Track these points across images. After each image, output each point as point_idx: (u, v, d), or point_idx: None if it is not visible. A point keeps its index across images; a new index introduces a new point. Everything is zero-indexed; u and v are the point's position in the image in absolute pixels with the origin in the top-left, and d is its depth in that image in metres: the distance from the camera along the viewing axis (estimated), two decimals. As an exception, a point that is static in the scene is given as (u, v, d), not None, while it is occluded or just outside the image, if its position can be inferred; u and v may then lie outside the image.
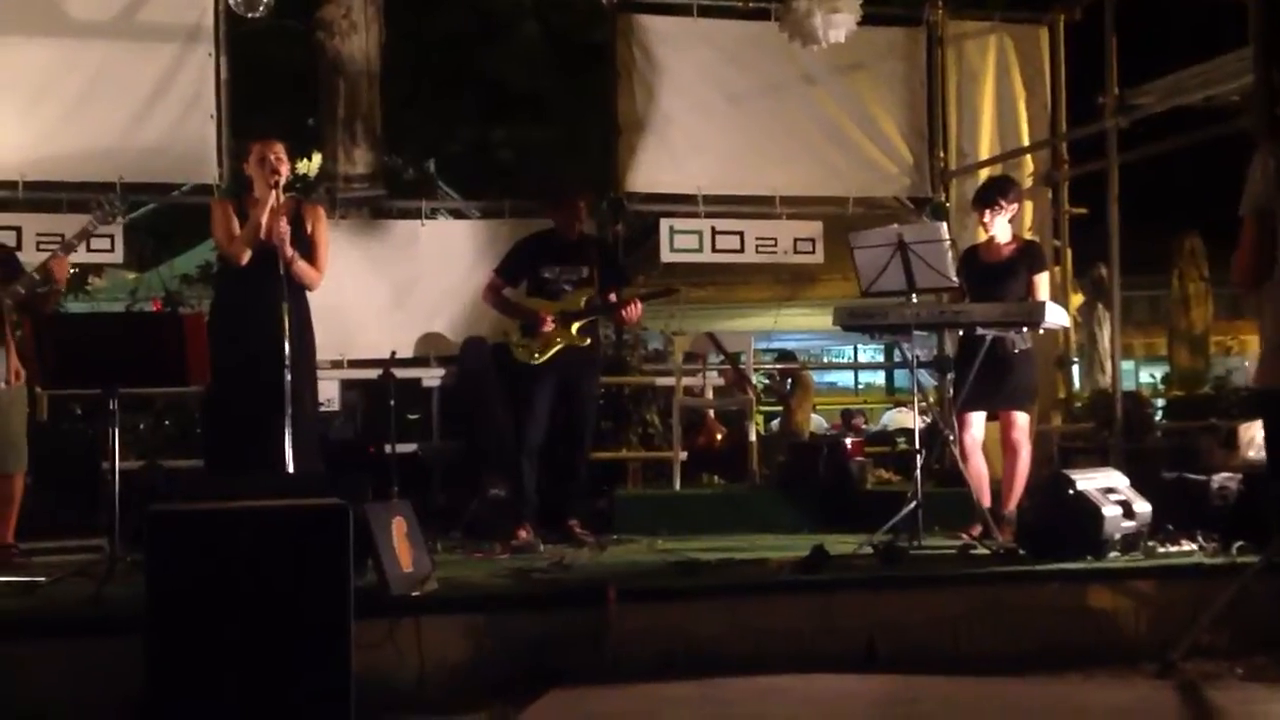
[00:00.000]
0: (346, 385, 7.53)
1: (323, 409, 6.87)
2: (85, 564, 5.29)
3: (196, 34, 7.72)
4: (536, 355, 6.33)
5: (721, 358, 7.99)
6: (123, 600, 4.45)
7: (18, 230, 7.23)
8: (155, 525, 3.93)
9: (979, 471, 6.17)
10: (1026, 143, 8.91)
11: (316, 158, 8.85)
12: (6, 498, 5.83)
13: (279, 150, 5.71)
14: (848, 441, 7.76)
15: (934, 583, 5.12)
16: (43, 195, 7.52)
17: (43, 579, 5.11)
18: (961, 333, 6.14)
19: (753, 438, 7.75)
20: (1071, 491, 5.41)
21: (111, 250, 7.49)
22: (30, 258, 6.42)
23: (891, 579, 5.15)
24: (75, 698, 4.10)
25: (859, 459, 7.51)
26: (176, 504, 4.08)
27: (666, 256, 8.43)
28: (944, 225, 6.60)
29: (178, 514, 4.01)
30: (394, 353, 7.27)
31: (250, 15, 7.51)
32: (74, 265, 5.97)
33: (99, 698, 4.09)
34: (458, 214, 8.84)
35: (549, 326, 6.32)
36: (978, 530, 5.94)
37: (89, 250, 6.93)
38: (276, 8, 7.60)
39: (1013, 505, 6.10)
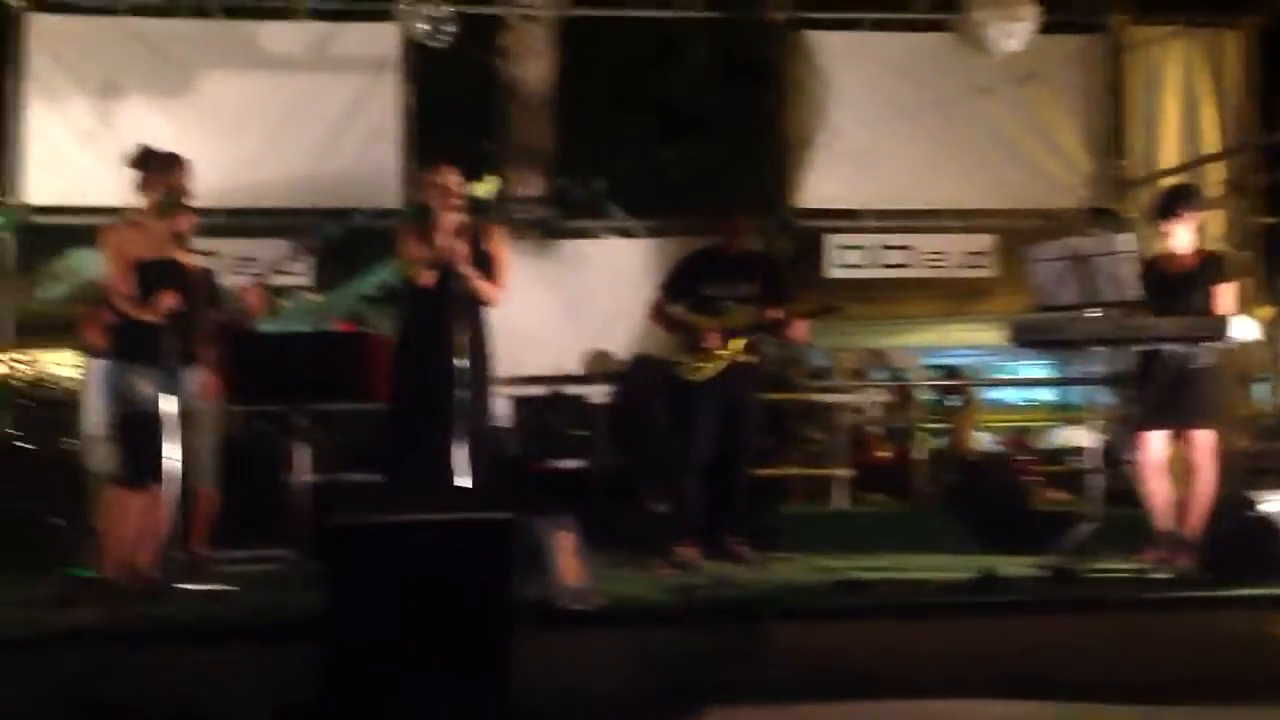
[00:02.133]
0: (516, 402, 7.70)
1: (494, 425, 7.04)
2: (271, 574, 5.57)
3: (383, 64, 8.04)
4: (701, 372, 6.38)
5: (887, 374, 7.91)
6: (306, 610, 4.65)
7: (216, 255, 7.59)
8: (335, 537, 4.12)
9: (1158, 492, 5.96)
10: (1213, 151, 8.60)
11: (493, 180, 9.08)
12: (199, 510, 6.17)
13: (451, 175, 5.88)
14: (1017, 459, 7.59)
15: (1109, 607, 4.99)
16: (240, 222, 7.88)
17: (231, 588, 5.39)
18: (1141, 348, 5.95)
19: (919, 455, 7.64)
20: (1255, 514, 5.21)
21: (302, 274, 7.84)
22: (227, 281, 6.78)
23: (1064, 603, 5.03)
24: (258, 701, 4.31)
25: (1029, 478, 7.33)
26: (355, 516, 4.25)
27: (832, 272, 8.40)
28: (1126, 236, 6.41)
29: (356, 526, 4.19)
30: (563, 370, 7.41)
31: (435, 45, 7.78)
32: (265, 288, 6.27)
33: (280, 701, 4.29)
34: (627, 233, 8.97)
35: (713, 344, 6.36)
36: (1156, 554, 5.75)
37: (281, 273, 7.27)
38: (458, 36, 7.84)
39: (1193, 528, 5.88)
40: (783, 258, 8.08)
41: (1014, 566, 5.54)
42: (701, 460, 6.37)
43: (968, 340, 11.26)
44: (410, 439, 5.86)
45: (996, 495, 7.16)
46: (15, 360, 7.94)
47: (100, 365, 6.04)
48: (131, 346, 5.46)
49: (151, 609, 4.96)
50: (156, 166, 5.58)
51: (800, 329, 6.42)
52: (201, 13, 8.06)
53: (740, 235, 6.61)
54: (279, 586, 5.09)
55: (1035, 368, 13.05)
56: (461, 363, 5.52)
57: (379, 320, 8.48)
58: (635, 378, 7.51)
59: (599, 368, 7.93)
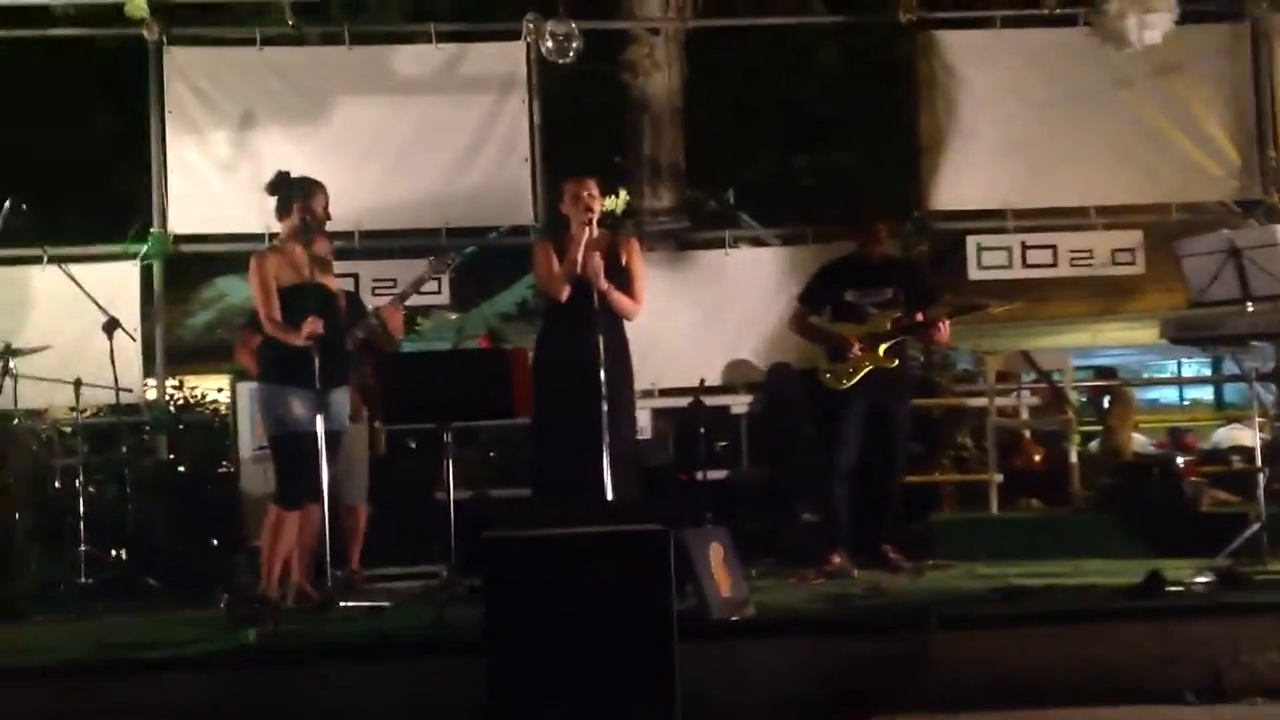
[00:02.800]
0: (657, 413, 7.69)
1: (637, 437, 7.04)
2: (425, 589, 5.62)
3: (511, 83, 8.10)
4: (845, 380, 6.30)
5: (1036, 376, 7.72)
6: (461, 624, 4.69)
7: (355, 277, 7.72)
8: (491, 551, 4.15)
9: (1329, 490, 5.73)
10: (1366, 136, 8.25)
11: (623, 194, 9.13)
12: (351, 527, 6.28)
13: (592, 187, 5.89)
14: (1180, 460, 7.33)
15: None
16: (377, 244, 8.02)
17: (387, 603, 5.47)
18: (1303, 342, 5.73)
19: (1073, 459, 7.44)
20: None
21: (439, 293, 7.94)
22: (367, 302, 6.91)
23: (1237, 606, 4.83)
24: (421, 715, 4.35)
25: (1193, 479, 7.07)
26: (510, 531, 4.27)
27: (974, 274, 8.21)
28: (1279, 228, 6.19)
29: (511, 540, 4.21)
30: (703, 380, 7.39)
31: (561, 62, 7.83)
32: (404, 308, 6.37)
33: (441, 716, 4.33)
34: (760, 242, 8.91)
35: (855, 351, 6.28)
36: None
37: (419, 294, 7.38)
38: (584, 52, 7.89)
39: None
40: (922, 262, 7.96)
41: (1180, 570, 5.34)
42: (849, 468, 6.29)
43: (1119, 339, 10.99)
44: (556, 453, 5.88)
45: (1158, 497, 6.91)
46: (170, 387, 8.17)
47: (253, 388, 6.18)
48: (282, 369, 5.58)
49: (316, 626, 5.05)
50: (294, 192, 5.69)
51: (944, 331, 6.30)
52: (331, 40, 8.22)
53: (879, 240, 6.53)
54: (432, 603, 5.12)
55: (1191, 366, 12.69)
56: (602, 376, 5.52)
57: (516, 337, 8.58)
58: (777, 387, 7.46)
59: (739, 378, 7.89)
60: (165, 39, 7.90)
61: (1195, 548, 5.77)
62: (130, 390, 6.98)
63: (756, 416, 7.63)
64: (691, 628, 4.34)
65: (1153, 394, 14.89)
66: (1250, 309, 5.64)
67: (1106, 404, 8.36)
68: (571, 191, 5.92)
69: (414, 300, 6.77)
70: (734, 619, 4.70)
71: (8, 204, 6.70)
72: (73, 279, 6.85)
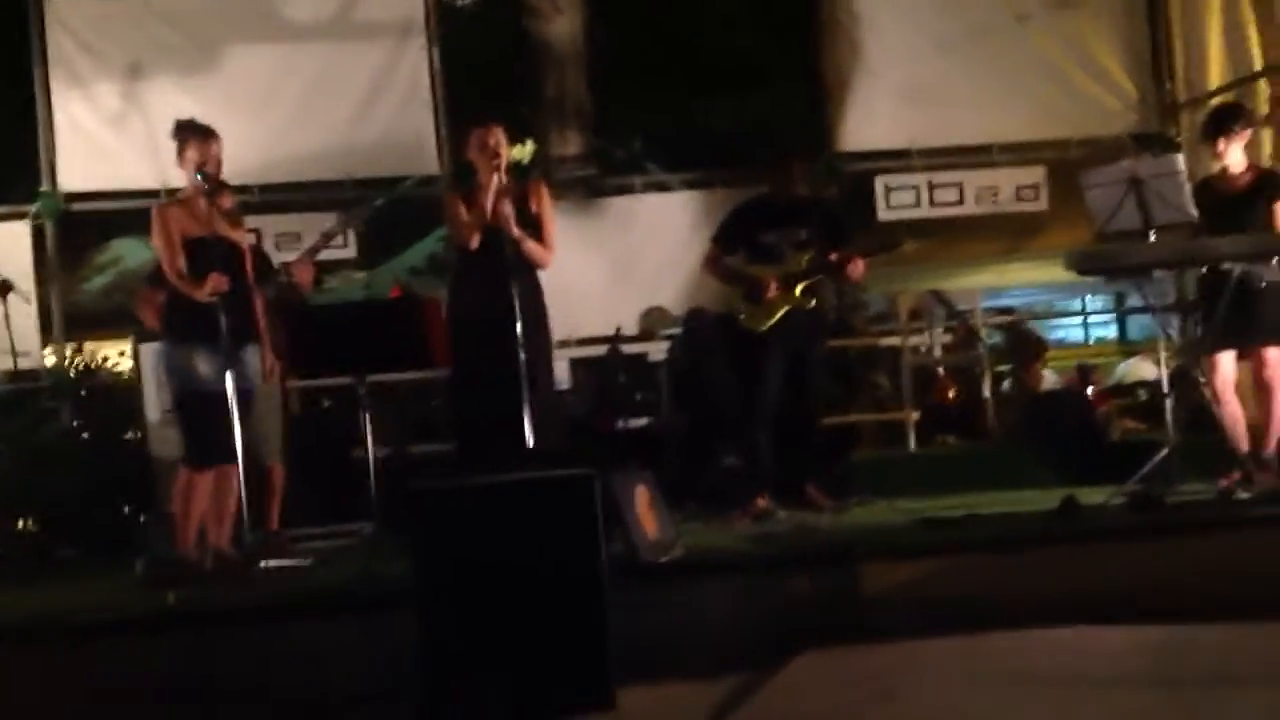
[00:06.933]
0: (575, 363, 7.65)
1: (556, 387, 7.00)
2: (347, 547, 5.54)
3: (409, 28, 7.94)
4: (763, 321, 6.29)
5: (948, 314, 7.82)
6: (388, 577, 4.63)
7: (257, 232, 7.53)
8: (418, 502, 4.08)
9: (1234, 414, 5.87)
10: (1258, 69, 8.42)
11: (531, 143, 9.03)
12: (268, 488, 6.16)
13: (498, 134, 5.76)
14: (1089, 392, 7.49)
15: (1196, 530, 4.91)
16: (278, 197, 7.84)
17: (309, 562, 5.38)
18: (1204, 270, 5.84)
19: (986, 394, 7.56)
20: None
21: (345, 247, 7.78)
22: (273, 258, 6.75)
23: (1152, 527, 4.96)
24: (352, 671, 4.29)
25: (1102, 409, 7.24)
26: (435, 482, 4.20)
27: (883, 214, 8.29)
28: (1179, 157, 6.30)
29: (437, 490, 4.15)
30: (619, 329, 7.36)
31: (460, 4, 7.69)
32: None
33: (373, 670, 4.27)
34: (667, 187, 8.88)
35: (773, 292, 6.26)
36: (1237, 475, 5.65)
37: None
38: (483, -5, 7.77)
39: (1273, 446, 5.78)
40: (834, 202, 7.98)
41: (1094, 497, 5.45)
42: (769, 411, 6.28)
43: (1027, 278, 11.16)
44: (475, 406, 5.81)
45: (1070, 429, 7.06)
46: (70, 351, 7.93)
47: (157, 348, 6.01)
48: (188, 326, 5.39)
49: (234, 588, 4.95)
50: (196, 137, 5.49)
51: (859, 269, 6.31)
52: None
53: (794, 181, 6.49)
54: (356, 559, 5.05)
55: (1096, 303, 12.99)
56: (519, 326, 5.45)
57: (427, 291, 8.44)
58: (694, 333, 7.44)
59: (656, 325, 7.87)
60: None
61: (1107, 476, 5.86)
62: (28, 354, 6.76)
63: (675, 363, 7.62)
64: (621, 571, 4.33)
65: (1060, 334, 15.24)
66: (1152, 239, 5.72)
67: (1018, 341, 8.52)
68: (478, 138, 5.79)
69: (320, 256, 6.61)
70: (662, 560, 4.70)
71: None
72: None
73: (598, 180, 8.61)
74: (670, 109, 11.54)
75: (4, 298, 6.33)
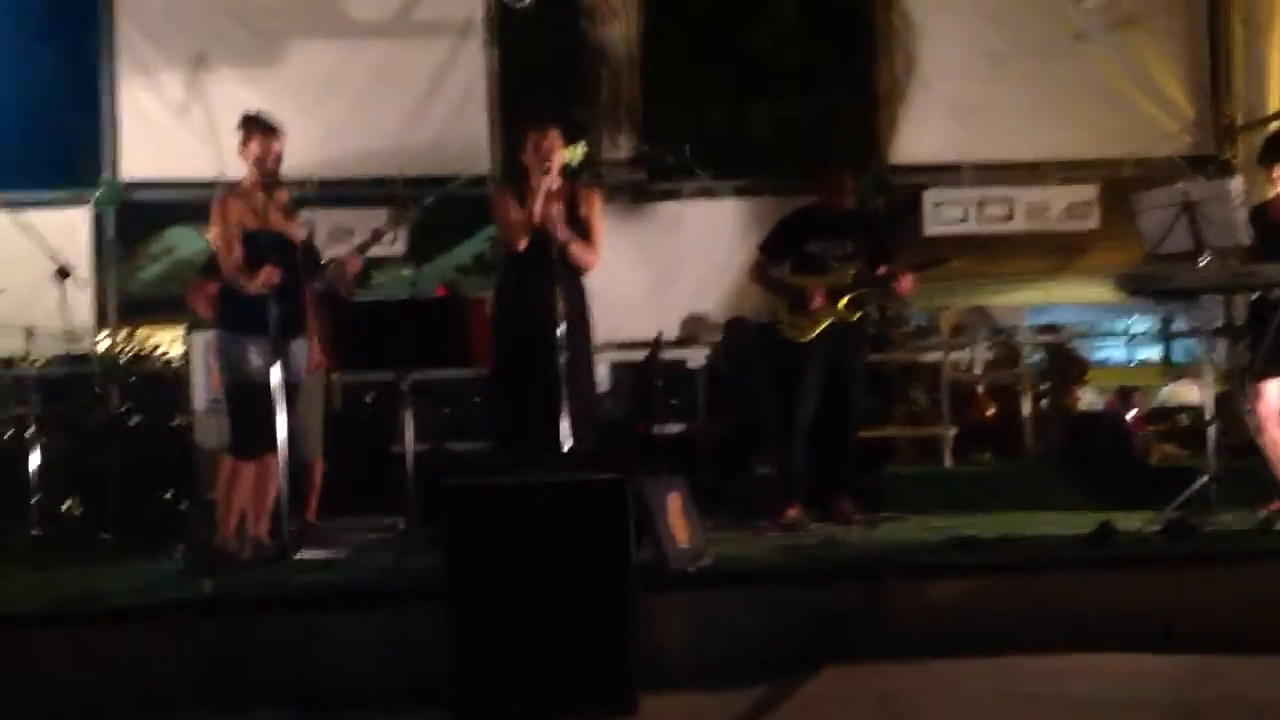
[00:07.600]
0: (615, 367, 7.67)
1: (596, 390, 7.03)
2: (382, 540, 5.60)
3: (468, 28, 8.01)
4: (806, 333, 6.30)
5: (991, 331, 7.78)
6: (420, 571, 4.69)
7: (310, 226, 7.63)
8: (451, 499, 4.13)
9: (1276, 442, 5.80)
10: (1319, 94, 8.33)
11: (582, 146, 9.06)
12: (309, 479, 6.24)
13: (554, 137, 5.78)
14: (1129, 415, 7.43)
15: (1233, 559, 4.86)
16: (332, 192, 7.92)
17: (344, 554, 5.45)
18: (1254, 296, 5.78)
19: (1025, 412, 7.51)
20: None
21: (395, 243, 7.84)
22: (324, 251, 6.81)
23: (1188, 555, 4.91)
24: (382, 662, 4.35)
25: (1142, 432, 7.17)
26: (470, 480, 4.25)
27: (930, 229, 8.25)
28: (1233, 181, 6.23)
29: (472, 488, 4.20)
30: (660, 334, 7.38)
31: (519, 6, 7.74)
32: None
33: (402, 662, 4.33)
34: (716, 194, 8.89)
35: (818, 303, 6.27)
36: (1277, 505, 5.59)
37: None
38: (542, -2, 7.81)
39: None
40: (879, 216, 7.97)
41: (1130, 521, 5.40)
42: (806, 422, 6.29)
43: (1073, 296, 11.07)
44: (513, 406, 5.85)
45: (1110, 450, 7.00)
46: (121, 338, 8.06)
47: (209, 337, 6.10)
48: (240, 317, 5.47)
49: (273, 576, 5.02)
50: (260, 132, 5.57)
51: (908, 283, 6.30)
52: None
53: (844, 192, 6.49)
54: (390, 553, 5.11)
55: (1141, 324, 12.84)
56: (561, 328, 5.49)
57: (473, 290, 8.50)
58: (734, 341, 7.46)
59: (697, 332, 7.88)
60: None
61: (1143, 500, 5.81)
62: (82, 340, 6.89)
63: (714, 370, 7.64)
64: (649, 578, 4.36)
65: (1104, 354, 15.08)
66: (1203, 263, 5.67)
67: (1060, 360, 8.45)
68: (534, 141, 5.81)
69: (370, 252, 6.68)
70: (691, 569, 4.72)
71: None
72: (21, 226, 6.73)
73: (646, 185, 8.62)
74: (721, 115, 11.54)
75: (62, 283, 6.43)
